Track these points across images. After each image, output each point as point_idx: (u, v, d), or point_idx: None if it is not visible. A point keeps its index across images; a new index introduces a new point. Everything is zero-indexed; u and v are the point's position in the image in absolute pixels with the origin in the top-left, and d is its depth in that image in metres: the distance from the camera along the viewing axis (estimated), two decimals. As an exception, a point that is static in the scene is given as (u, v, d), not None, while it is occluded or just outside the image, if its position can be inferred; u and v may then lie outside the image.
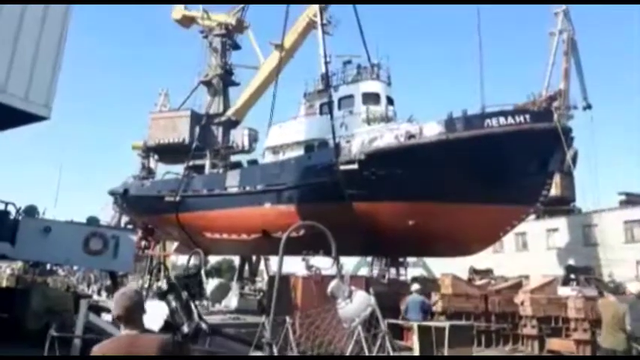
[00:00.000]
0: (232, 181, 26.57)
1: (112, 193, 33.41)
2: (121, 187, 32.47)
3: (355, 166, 20.69)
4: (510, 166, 19.50)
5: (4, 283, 22.26)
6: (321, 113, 25.80)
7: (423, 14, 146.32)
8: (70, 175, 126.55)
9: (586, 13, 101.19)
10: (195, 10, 35.63)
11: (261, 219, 23.99)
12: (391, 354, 8.78)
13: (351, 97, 25.31)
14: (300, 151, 25.14)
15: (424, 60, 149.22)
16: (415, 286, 14.31)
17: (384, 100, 25.02)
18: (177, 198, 28.08)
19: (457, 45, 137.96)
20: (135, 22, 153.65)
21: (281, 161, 25.51)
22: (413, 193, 19.90)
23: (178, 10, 36.17)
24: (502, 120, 19.73)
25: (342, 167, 20.95)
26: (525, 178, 19.96)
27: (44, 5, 10.16)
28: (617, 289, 16.80)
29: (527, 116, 19.86)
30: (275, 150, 26.89)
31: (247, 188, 25.43)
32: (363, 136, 22.41)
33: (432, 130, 20.45)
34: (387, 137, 21.42)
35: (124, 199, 31.86)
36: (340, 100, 25.33)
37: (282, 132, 26.75)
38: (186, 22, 36.28)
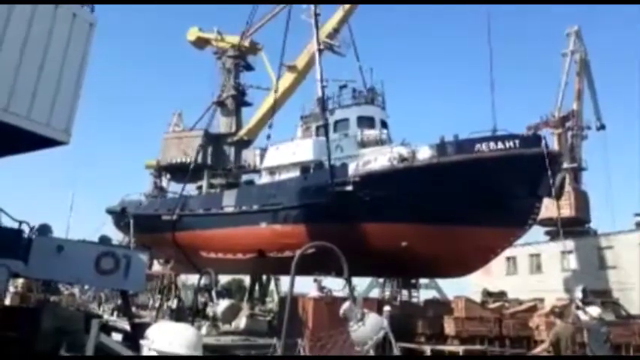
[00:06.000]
0: (229, 200, 26.84)
1: (110, 211, 33.52)
2: (118, 205, 32.65)
3: (350, 188, 21.05)
4: (499, 189, 19.76)
5: (7, 302, 22.12)
6: (317, 135, 26.30)
7: (434, 35, 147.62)
8: (79, 192, 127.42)
9: (600, 34, 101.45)
10: (210, 32, 36.23)
11: (257, 239, 24.24)
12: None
13: (346, 120, 26.08)
14: (296, 172, 25.53)
15: (436, 82, 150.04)
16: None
17: (378, 124, 25.96)
18: (174, 217, 28.31)
19: (469, 64, 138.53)
20: (148, 44, 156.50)
21: (277, 182, 25.95)
22: (406, 215, 20.26)
23: (193, 32, 36.78)
24: (492, 145, 20.12)
25: (337, 188, 21.18)
26: (514, 201, 20.27)
27: (69, 30, 10.46)
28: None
29: (517, 141, 20.24)
30: (272, 170, 27.29)
31: (243, 208, 25.70)
32: (357, 158, 22.88)
33: (424, 154, 20.88)
34: (381, 160, 21.76)
35: (121, 217, 31.97)
36: (336, 123, 25.95)
37: (279, 153, 27.17)
38: (201, 43, 36.86)
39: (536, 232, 38.98)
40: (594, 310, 10.32)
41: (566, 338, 9.52)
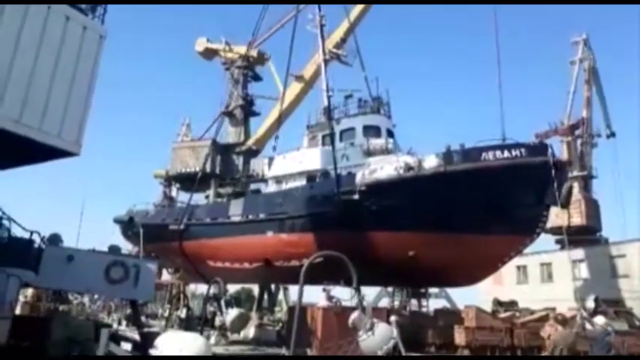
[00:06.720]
0: (235, 209, 26.93)
1: (117, 220, 33.73)
2: (126, 214, 32.86)
3: (356, 197, 21.07)
4: (506, 198, 19.72)
5: (17, 311, 22.06)
6: (323, 144, 26.41)
7: (441, 44, 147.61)
8: (90, 199, 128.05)
9: (610, 39, 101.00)
10: (218, 43, 36.57)
11: (263, 248, 24.30)
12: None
13: (352, 129, 26.21)
14: (302, 181, 25.63)
15: (447, 92, 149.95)
16: None
17: (384, 133, 26.06)
18: (181, 226, 28.43)
19: (476, 70, 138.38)
20: (157, 50, 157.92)
21: (284, 191, 26.03)
22: (412, 224, 20.23)
23: (201, 43, 37.16)
24: (498, 153, 20.15)
25: (343, 197, 21.22)
26: (521, 210, 20.19)
27: (79, 42, 10.64)
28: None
29: (523, 150, 20.26)
30: (278, 179, 27.44)
31: (250, 217, 25.80)
32: (363, 167, 22.95)
33: (430, 163, 20.92)
34: (387, 169, 21.82)
35: (128, 226, 32.10)
36: (342, 132, 26.08)
37: (286, 162, 27.29)
38: (209, 54, 37.22)
39: (548, 241, 38.73)
40: (599, 320, 10.29)
41: (561, 347, 9.50)
